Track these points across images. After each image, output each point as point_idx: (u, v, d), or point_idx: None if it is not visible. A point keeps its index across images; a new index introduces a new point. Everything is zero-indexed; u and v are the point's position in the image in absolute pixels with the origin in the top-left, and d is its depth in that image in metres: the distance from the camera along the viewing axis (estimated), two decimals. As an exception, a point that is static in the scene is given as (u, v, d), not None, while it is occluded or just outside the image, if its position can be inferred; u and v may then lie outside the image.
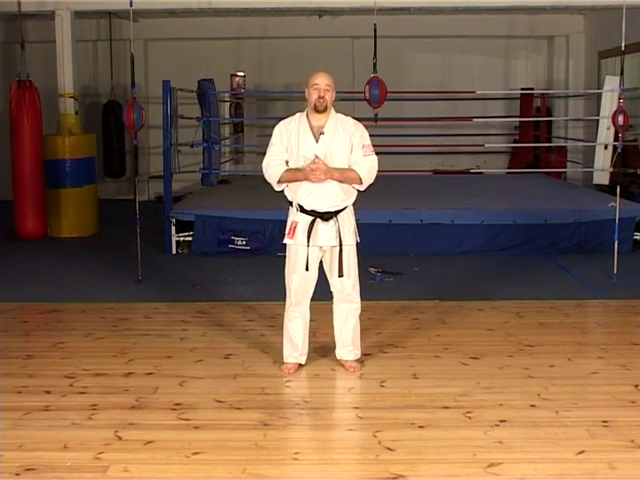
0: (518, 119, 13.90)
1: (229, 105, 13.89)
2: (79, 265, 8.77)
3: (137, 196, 7.90)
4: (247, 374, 5.20)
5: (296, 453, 4.00)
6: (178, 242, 9.47)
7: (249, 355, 5.56)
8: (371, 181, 5.08)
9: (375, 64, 9.31)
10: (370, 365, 5.33)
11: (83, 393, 4.84)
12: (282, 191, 5.20)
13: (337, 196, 5.04)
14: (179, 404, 4.64)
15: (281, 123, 5.16)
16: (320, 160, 4.94)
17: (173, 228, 9.44)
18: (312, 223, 5.07)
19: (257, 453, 4.00)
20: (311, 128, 5.04)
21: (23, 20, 10.54)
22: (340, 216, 5.08)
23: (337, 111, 5.16)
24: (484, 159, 14.69)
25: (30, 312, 6.89)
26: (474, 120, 12.67)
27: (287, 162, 5.08)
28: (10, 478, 3.74)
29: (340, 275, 5.11)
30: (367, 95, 9.36)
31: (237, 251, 9.14)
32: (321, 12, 13.55)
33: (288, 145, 5.06)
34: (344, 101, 12.10)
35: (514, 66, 15.15)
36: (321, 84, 4.98)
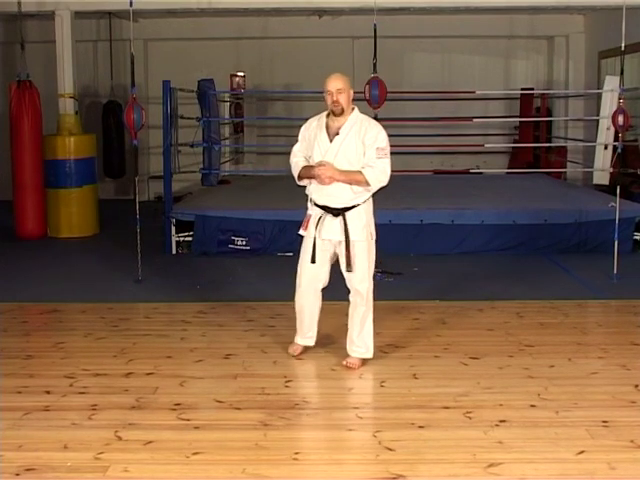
0: (518, 119, 13.90)
1: (229, 105, 13.88)
2: (79, 265, 8.78)
3: (137, 196, 7.90)
4: (247, 374, 5.20)
5: (296, 453, 4.00)
6: (178, 242, 9.47)
7: (249, 355, 5.56)
8: (381, 184, 5.17)
9: (375, 64, 9.31)
10: (370, 365, 5.32)
11: (83, 393, 4.85)
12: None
13: (346, 195, 5.15)
14: (179, 404, 4.63)
15: (307, 121, 5.38)
16: (327, 163, 5.08)
17: (173, 228, 9.44)
18: (321, 217, 5.20)
19: (257, 453, 4.00)
20: (327, 128, 5.19)
21: (23, 20, 10.55)
22: (349, 213, 5.15)
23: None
24: (484, 159, 14.69)
25: (30, 312, 6.90)
26: (474, 120, 12.68)
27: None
28: (10, 478, 3.74)
29: (348, 270, 5.17)
30: (367, 95, 9.36)
31: (237, 251, 9.13)
32: (321, 12, 13.55)
33: (308, 143, 5.26)
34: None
35: (514, 66, 15.15)
36: (332, 89, 5.10)
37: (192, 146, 10.32)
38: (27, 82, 10.13)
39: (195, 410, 4.57)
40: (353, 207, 5.16)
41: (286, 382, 5.09)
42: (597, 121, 10.73)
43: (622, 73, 8.18)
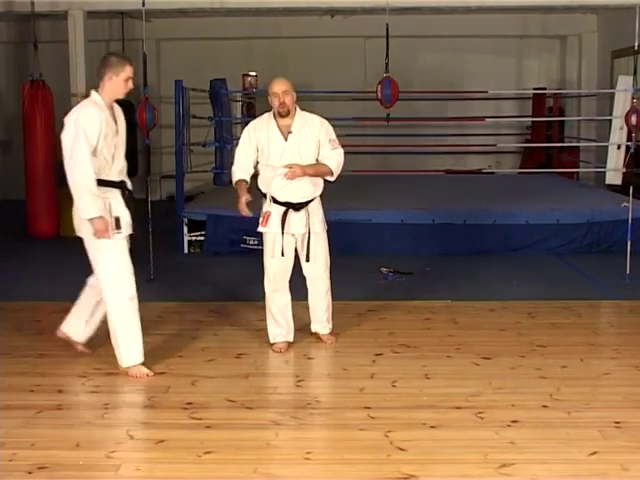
0: (530, 119, 13.87)
1: (241, 105, 13.90)
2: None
3: (149, 196, 7.93)
4: (259, 373, 5.21)
5: (308, 453, 3.99)
6: (190, 242, 9.48)
7: (261, 354, 5.57)
8: (339, 172, 5.50)
9: (387, 64, 9.30)
10: (382, 365, 5.33)
11: (95, 392, 4.86)
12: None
13: (308, 189, 5.46)
14: (191, 403, 4.64)
15: (250, 125, 5.57)
16: (295, 164, 5.33)
17: (185, 228, 9.46)
18: (285, 213, 5.44)
19: (269, 453, 4.01)
20: (279, 128, 5.41)
21: (36, 20, 10.58)
22: (310, 206, 5.47)
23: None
24: (496, 159, 14.67)
25: (43, 311, 6.91)
26: (486, 120, 12.66)
27: (256, 160, 5.50)
28: (22, 476, 3.75)
29: (307, 260, 5.49)
30: (379, 95, 9.36)
31: (249, 251, 9.13)
32: (333, 12, 13.55)
33: (258, 145, 5.44)
34: (356, 100, 12.17)
35: (526, 66, 15.12)
36: (279, 91, 5.35)
37: (204, 146, 10.35)
38: (40, 82, 10.17)
39: (207, 409, 4.57)
40: (311, 200, 5.49)
41: (298, 381, 5.10)
42: (610, 121, 10.69)
43: (635, 73, 8.13)
